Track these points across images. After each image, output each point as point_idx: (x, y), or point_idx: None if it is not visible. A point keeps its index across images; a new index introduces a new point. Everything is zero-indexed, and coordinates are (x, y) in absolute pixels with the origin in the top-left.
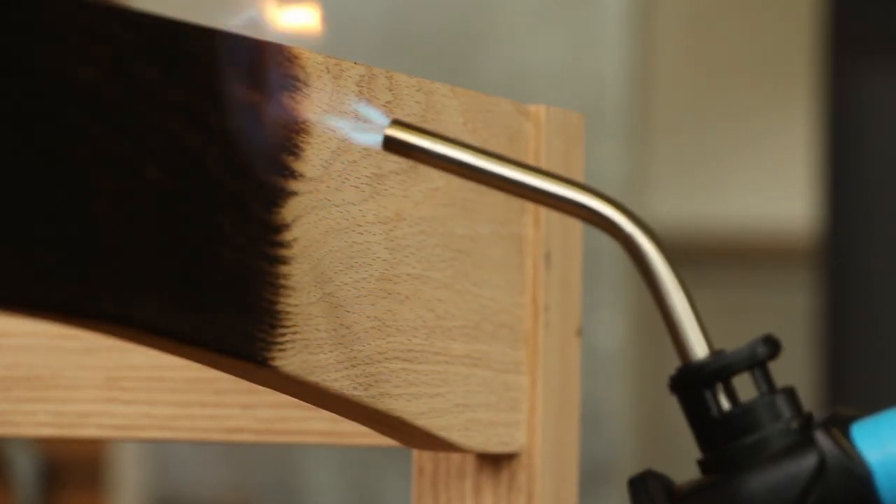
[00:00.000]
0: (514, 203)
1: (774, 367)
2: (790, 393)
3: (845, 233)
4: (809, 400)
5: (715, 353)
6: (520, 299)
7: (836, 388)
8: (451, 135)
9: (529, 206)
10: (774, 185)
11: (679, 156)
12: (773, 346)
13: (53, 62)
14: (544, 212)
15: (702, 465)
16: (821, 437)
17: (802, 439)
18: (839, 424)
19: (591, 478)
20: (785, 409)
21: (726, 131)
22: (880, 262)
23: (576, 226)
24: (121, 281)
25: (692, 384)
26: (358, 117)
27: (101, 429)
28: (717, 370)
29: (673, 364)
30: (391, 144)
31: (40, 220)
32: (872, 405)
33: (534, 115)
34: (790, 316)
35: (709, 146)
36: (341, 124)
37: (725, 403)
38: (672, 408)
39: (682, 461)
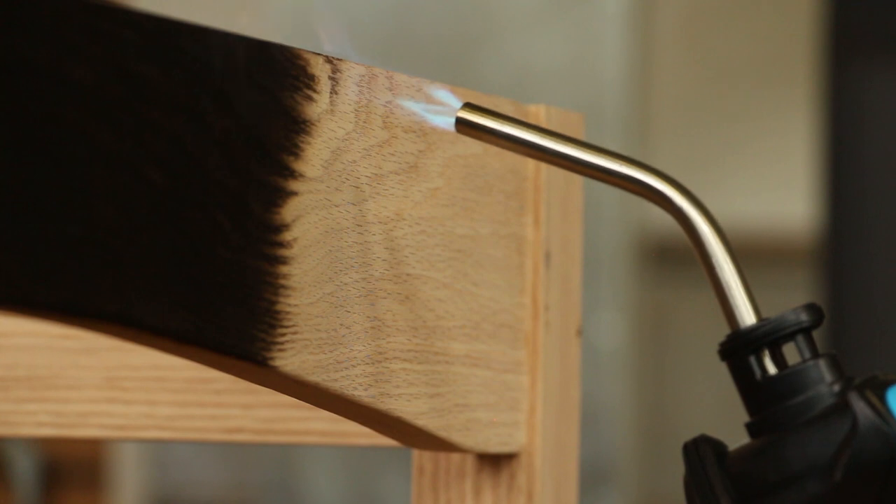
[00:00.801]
0: (515, 203)
1: None
2: (833, 358)
3: (845, 233)
4: None
5: (762, 320)
6: (520, 299)
7: None
8: (450, 135)
9: (529, 206)
10: (774, 186)
11: (679, 156)
12: (817, 313)
13: (53, 62)
14: (544, 212)
15: (749, 428)
16: (855, 399)
17: (839, 402)
18: (875, 387)
19: (591, 478)
20: (827, 373)
21: (726, 131)
22: (880, 262)
23: (576, 226)
24: (121, 281)
25: (740, 349)
26: (431, 100)
27: (101, 429)
28: (763, 335)
29: (673, 364)
30: (463, 126)
31: (40, 220)
32: None
33: (534, 115)
34: None
35: (709, 146)
36: (416, 107)
37: (772, 368)
38: (672, 407)
39: (682, 462)
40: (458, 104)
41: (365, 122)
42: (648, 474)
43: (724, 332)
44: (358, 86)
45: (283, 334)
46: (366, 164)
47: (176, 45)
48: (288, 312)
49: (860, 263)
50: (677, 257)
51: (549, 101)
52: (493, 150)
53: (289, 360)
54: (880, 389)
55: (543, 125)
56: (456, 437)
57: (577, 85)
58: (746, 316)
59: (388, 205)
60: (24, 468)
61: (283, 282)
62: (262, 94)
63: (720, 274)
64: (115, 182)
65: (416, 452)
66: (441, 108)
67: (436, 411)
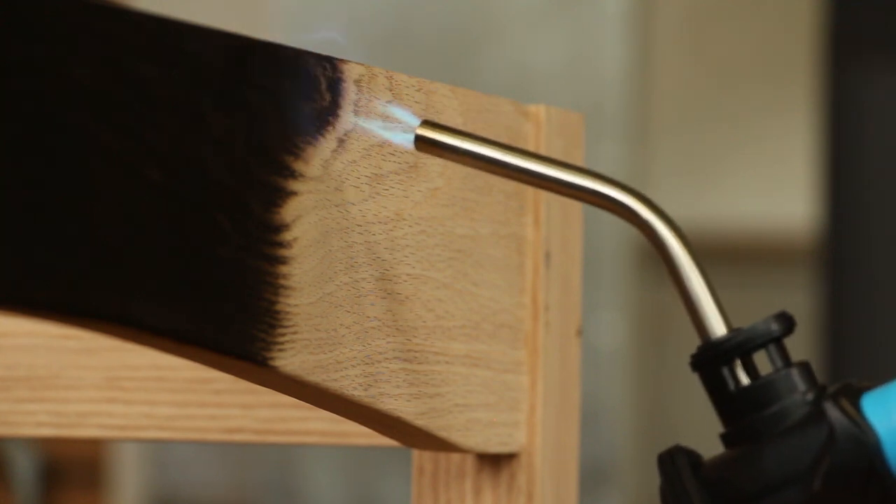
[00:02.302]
0: (514, 203)
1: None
2: (805, 366)
3: (845, 233)
4: None
5: (733, 330)
6: (520, 299)
7: None
8: None
9: (529, 206)
10: (774, 185)
11: (679, 156)
12: (787, 322)
13: (53, 62)
14: (544, 212)
15: (724, 438)
16: (830, 408)
17: (815, 410)
18: (850, 395)
19: (591, 478)
20: (800, 382)
21: (726, 131)
22: (880, 262)
23: (576, 226)
24: (121, 281)
25: (712, 361)
26: (389, 118)
27: (101, 429)
28: (735, 346)
29: (673, 364)
30: (422, 143)
31: (40, 220)
32: None
33: (534, 115)
34: None
35: (709, 146)
36: (372, 125)
37: (744, 378)
38: (672, 407)
39: None
40: (417, 121)
41: (365, 122)
42: (648, 474)
43: None
44: (358, 85)
45: (283, 334)
46: (366, 164)
47: (176, 45)
48: (288, 312)
49: (860, 263)
50: None
51: (549, 101)
52: None
53: (289, 360)
54: (854, 397)
55: (543, 125)
56: (456, 438)
57: (577, 85)
58: (717, 326)
59: (388, 205)
60: (24, 468)
61: (282, 282)
62: (262, 94)
63: (688, 285)
64: (115, 182)
65: (416, 452)
66: (400, 125)
67: (436, 411)
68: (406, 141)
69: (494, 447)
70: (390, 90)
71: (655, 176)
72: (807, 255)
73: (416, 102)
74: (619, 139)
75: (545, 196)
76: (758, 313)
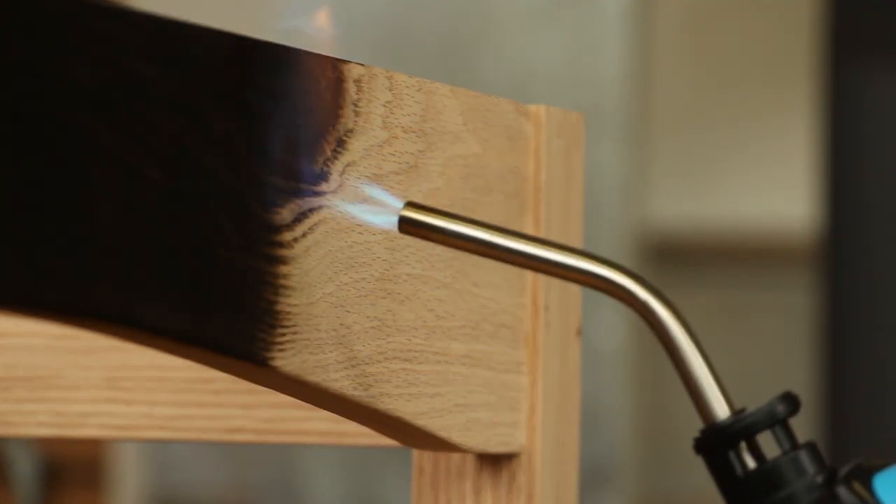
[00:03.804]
0: (515, 203)
1: (774, 367)
2: (813, 447)
3: (845, 233)
4: (809, 400)
5: (736, 413)
6: (520, 299)
7: (835, 388)
8: (450, 135)
9: (529, 206)
10: (774, 186)
11: (679, 156)
12: (792, 402)
13: (53, 62)
14: (544, 212)
15: None
16: (843, 492)
17: (826, 494)
18: (862, 477)
19: (591, 478)
20: (809, 465)
21: (726, 131)
22: (880, 263)
23: (576, 226)
24: (121, 281)
25: (716, 445)
26: (370, 201)
27: (101, 429)
28: (740, 430)
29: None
30: (406, 225)
31: (40, 219)
32: (872, 405)
33: (534, 115)
34: (790, 316)
35: (709, 146)
36: (354, 210)
37: (750, 462)
38: (672, 408)
39: (682, 461)
40: (400, 203)
41: (365, 122)
42: (648, 474)
43: (725, 330)
44: (358, 86)
45: (283, 334)
46: (366, 164)
47: (176, 45)
48: (288, 312)
49: (860, 263)
50: (677, 257)
51: (549, 101)
52: (493, 151)
53: (289, 360)
54: (866, 479)
55: (543, 125)
56: (456, 438)
57: (577, 85)
58: (719, 410)
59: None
60: (24, 468)
61: (283, 282)
62: (262, 94)
63: (689, 367)
64: (115, 182)
65: (416, 452)
66: (382, 208)
67: (436, 411)
68: (390, 224)
69: (494, 447)
70: (390, 90)
71: (655, 176)
72: (807, 255)
73: (416, 102)
74: (619, 139)
75: (545, 196)
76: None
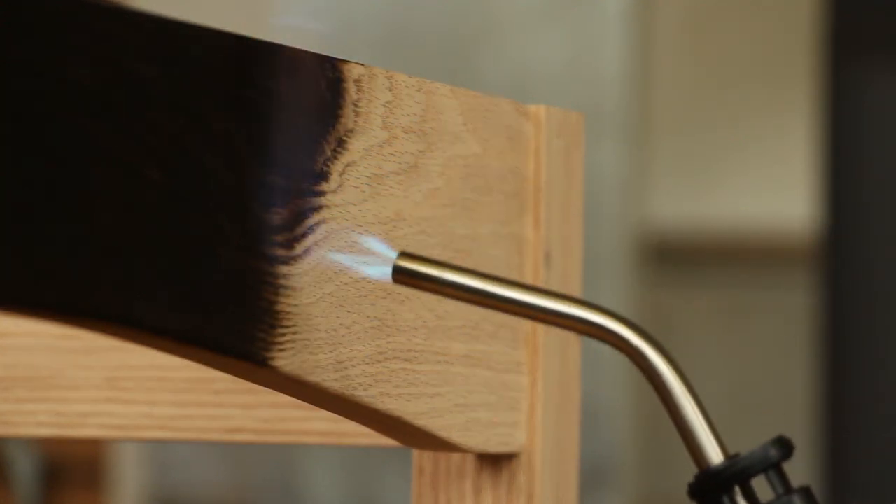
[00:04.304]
0: (514, 203)
1: (774, 367)
2: (807, 492)
3: (845, 233)
4: (809, 400)
5: (730, 458)
6: None
7: (835, 389)
8: (450, 135)
9: (529, 206)
10: (774, 186)
11: (679, 156)
12: (786, 447)
13: (53, 62)
14: (544, 212)
15: None
16: None
17: None
18: None
19: (591, 478)
20: None
21: (726, 131)
22: (880, 262)
23: (576, 226)
24: (121, 281)
25: (710, 490)
26: (364, 252)
27: (101, 429)
28: (734, 474)
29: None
30: (400, 275)
31: (40, 219)
32: (872, 405)
33: (534, 115)
34: (790, 316)
35: (709, 146)
36: (346, 260)
37: None
38: None
39: (682, 462)
40: (393, 253)
41: (365, 122)
42: (648, 474)
43: (725, 330)
44: (358, 86)
45: (283, 334)
46: (366, 164)
47: (176, 45)
48: (288, 312)
49: (860, 263)
50: (677, 257)
51: (549, 101)
52: (493, 151)
53: (289, 360)
54: None
55: (543, 125)
56: (456, 438)
57: (577, 85)
58: (713, 455)
59: (388, 205)
60: (24, 468)
61: (283, 282)
62: (262, 94)
63: (682, 413)
64: (115, 182)
65: (416, 452)
66: (374, 258)
67: (436, 411)
68: (383, 274)
69: (494, 447)
70: (390, 90)
71: (655, 176)
72: (806, 255)
73: (416, 102)
74: (619, 139)
75: (545, 196)
76: (758, 313)
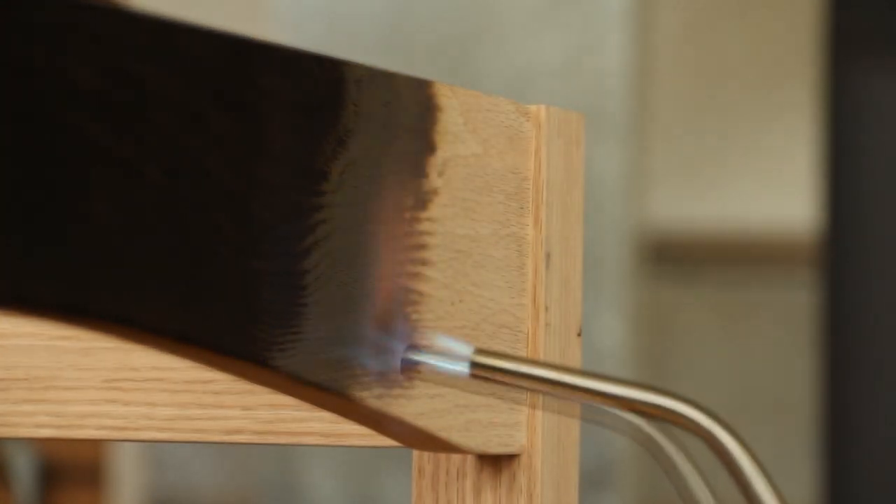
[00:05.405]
0: (515, 203)
1: (774, 367)
2: None
3: (845, 233)
4: (809, 400)
5: None
6: (520, 300)
7: (836, 388)
8: (450, 135)
9: (530, 207)
10: (775, 186)
11: (679, 156)
12: None
13: (53, 62)
14: (544, 212)
15: None
16: None
17: None
18: None
19: (591, 478)
20: None
21: (726, 131)
22: (880, 262)
23: (576, 226)
24: (121, 281)
25: None
26: (440, 350)
27: (101, 429)
28: None
29: (673, 364)
30: (478, 370)
31: (40, 220)
32: (872, 405)
33: (534, 115)
34: (791, 316)
35: (709, 146)
36: (432, 360)
37: None
38: None
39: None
40: (469, 349)
41: (365, 122)
42: (648, 475)
43: (725, 330)
44: (358, 86)
45: (284, 334)
46: (366, 164)
47: (176, 45)
48: (288, 312)
49: (860, 263)
50: (677, 257)
51: (549, 101)
52: (493, 151)
53: (289, 360)
54: None
55: (543, 125)
56: (456, 438)
57: (577, 85)
58: None
59: (388, 205)
60: (24, 468)
61: (283, 281)
62: (261, 94)
63: (754, 492)
64: (115, 182)
65: (416, 453)
66: (453, 355)
67: (436, 412)
68: (461, 369)
69: (495, 448)
70: (390, 90)
71: (655, 176)
72: (807, 254)
73: (416, 102)
74: (619, 139)
75: (545, 196)
76: (758, 313)
